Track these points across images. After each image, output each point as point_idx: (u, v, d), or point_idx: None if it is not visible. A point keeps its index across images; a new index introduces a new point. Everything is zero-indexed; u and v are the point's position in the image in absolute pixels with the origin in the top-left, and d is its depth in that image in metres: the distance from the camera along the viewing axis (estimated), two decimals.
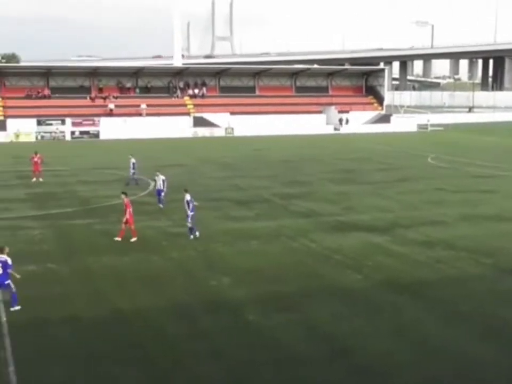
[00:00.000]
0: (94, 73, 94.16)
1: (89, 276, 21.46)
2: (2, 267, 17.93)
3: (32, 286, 20.07)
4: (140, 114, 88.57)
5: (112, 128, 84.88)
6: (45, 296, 19.21)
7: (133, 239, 25.93)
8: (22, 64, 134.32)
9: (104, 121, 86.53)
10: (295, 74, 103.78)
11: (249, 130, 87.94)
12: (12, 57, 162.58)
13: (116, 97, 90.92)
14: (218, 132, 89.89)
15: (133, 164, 41.28)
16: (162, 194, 32.93)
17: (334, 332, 16.62)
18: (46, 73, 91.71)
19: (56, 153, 62.19)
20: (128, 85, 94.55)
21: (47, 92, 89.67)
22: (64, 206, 33.90)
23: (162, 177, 33.21)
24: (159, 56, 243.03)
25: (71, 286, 20.31)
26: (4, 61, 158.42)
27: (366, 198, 36.65)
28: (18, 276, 18.34)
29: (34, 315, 17.62)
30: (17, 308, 17.97)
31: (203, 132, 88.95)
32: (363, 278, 21.26)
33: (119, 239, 25.88)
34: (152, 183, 38.09)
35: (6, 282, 17.91)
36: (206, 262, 23.13)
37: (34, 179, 43.01)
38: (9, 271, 18.04)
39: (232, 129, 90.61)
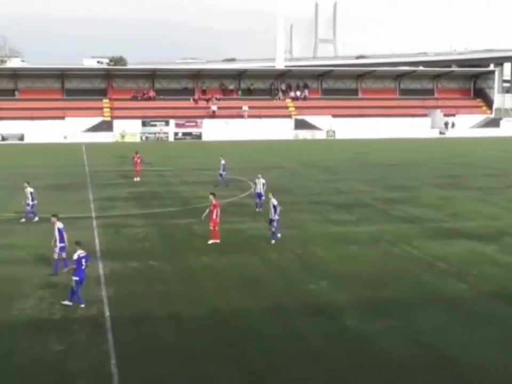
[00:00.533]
0: (198, 75, 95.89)
1: (189, 275, 21.67)
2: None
3: (134, 282, 20.52)
4: (242, 116, 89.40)
5: (214, 130, 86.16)
6: (147, 294, 19.53)
7: (211, 241, 25.84)
8: (128, 66, 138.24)
9: (206, 122, 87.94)
10: (399, 76, 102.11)
11: (351, 133, 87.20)
12: (119, 60, 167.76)
13: (219, 99, 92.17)
14: (320, 135, 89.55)
15: (223, 165, 41.52)
16: (263, 198, 32.59)
17: (436, 341, 16.02)
18: (152, 75, 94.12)
19: (159, 153, 63.65)
20: (231, 87, 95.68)
21: (152, 93, 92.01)
22: (166, 206, 34.52)
23: (262, 180, 33.03)
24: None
25: (173, 285, 20.56)
26: (112, 63, 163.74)
27: (472, 204, 35.43)
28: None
29: (137, 311, 17.94)
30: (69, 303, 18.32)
31: (304, 134, 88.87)
32: (468, 288, 20.46)
33: (217, 241, 25.93)
34: (253, 186, 38.13)
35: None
36: (304, 265, 22.92)
37: (135, 178, 44.12)
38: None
39: (334, 132, 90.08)
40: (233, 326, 17.04)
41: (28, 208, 30.11)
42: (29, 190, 30.08)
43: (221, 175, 41.66)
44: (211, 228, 25.98)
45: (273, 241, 25.83)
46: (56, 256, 21.29)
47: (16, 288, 19.91)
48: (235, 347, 15.70)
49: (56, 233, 21.39)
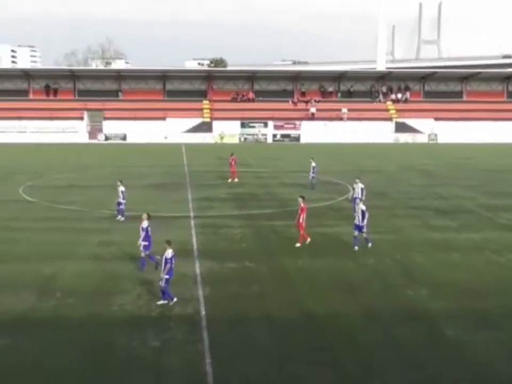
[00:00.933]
0: (297, 77, 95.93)
1: (284, 277, 21.62)
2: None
3: (230, 283, 20.66)
4: (341, 119, 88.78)
5: (312, 132, 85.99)
6: (242, 294, 19.62)
7: (298, 244, 25.62)
8: (228, 68, 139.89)
9: (305, 124, 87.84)
10: (507, 78, 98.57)
11: (454, 137, 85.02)
12: (220, 62, 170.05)
13: (318, 101, 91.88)
14: (421, 138, 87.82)
15: (313, 167, 41.18)
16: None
17: None
18: (251, 77, 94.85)
19: (258, 155, 64.06)
20: (330, 89, 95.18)
21: (251, 95, 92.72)
22: (264, 207, 34.65)
23: (361, 185, 32.40)
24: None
25: (268, 286, 20.57)
26: (212, 65, 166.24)
27: None
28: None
29: (232, 311, 18.05)
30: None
31: (405, 137, 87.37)
32: None
33: (307, 241, 25.76)
34: (351, 190, 37.69)
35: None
36: (402, 271, 22.44)
37: (230, 180, 44.52)
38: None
39: (436, 135, 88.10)
40: (328, 330, 16.88)
41: (121, 206, 30.73)
42: (121, 188, 30.69)
43: (312, 177, 41.41)
44: (298, 230, 25.84)
45: (370, 244, 25.39)
46: (142, 254, 21.73)
47: (116, 284, 20.45)
48: (329, 351, 15.54)
49: (141, 231, 21.79)
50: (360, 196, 31.34)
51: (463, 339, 16.28)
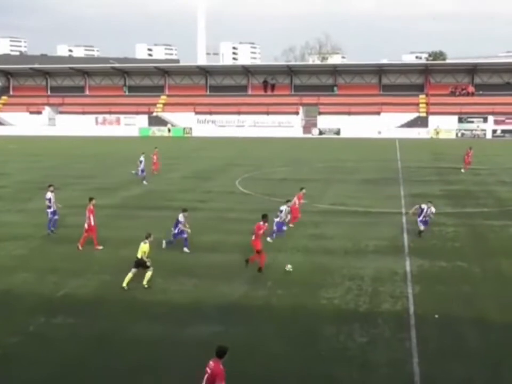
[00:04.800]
0: None
1: (499, 279, 20.58)
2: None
3: (441, 282, 20.07)
4: None
5: None
6: (453, 294, 18.97)
7: None
8: (447, 61, 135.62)
9: None
10: None
11: None
12: (439, 55, 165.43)
13: None
14: None
15: None
16: None
17: None
18: (472, 70, 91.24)
19: (476, 151, 61.49)
20: None
21: (471, 89, 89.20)
22: (480, 205, 33.24)
23: None
24: None
25: (480, 287, 19.71)
26: (430, 58, 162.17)
27: None
28: (188, 230, 23.15)
29: (441, 311, 17.52)
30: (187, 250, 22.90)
31: None
32: None
33: None
34: None
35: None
36: None
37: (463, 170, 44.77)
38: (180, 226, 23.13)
39: None
40: None
41: None
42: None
43: None
44: None
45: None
46: None
47: (326, 277, 20.67)
48: None
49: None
50: None
51: None
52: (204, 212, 31.35)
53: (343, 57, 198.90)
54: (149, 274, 19.32)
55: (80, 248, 23.82)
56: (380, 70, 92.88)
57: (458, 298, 18.55)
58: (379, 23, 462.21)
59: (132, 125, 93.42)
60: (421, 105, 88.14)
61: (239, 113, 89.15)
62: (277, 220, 25.62)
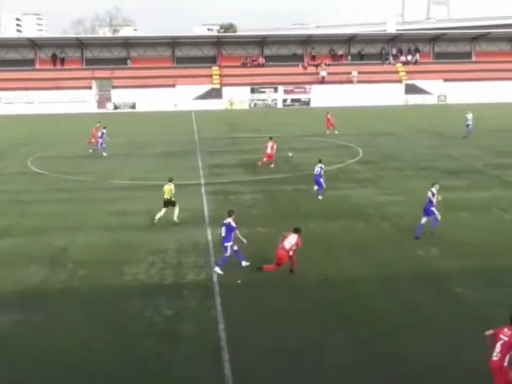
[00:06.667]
0: (307, 41, 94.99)
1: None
2: (226, 230, 18.59)
3: (243, 248, 20.57)
4: (351, 82, 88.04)
5: (323, 96, 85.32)
6: (255, 259, 19.40)
7: None
8: (238, 33, 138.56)
9: (315, 88, 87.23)
10: None
11: (464, 98, 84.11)
12: (229, 27, 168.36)
13: (328, 65, 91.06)
14: (430, 100, 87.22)
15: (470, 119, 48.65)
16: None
17: None
18: (261, 42, 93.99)
19: (268, 120, 63.77)
20: (340, 52, 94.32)
21: (261, 60, 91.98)
22: (275, 172, 34.49)
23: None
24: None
25: None
26: (222, 30, 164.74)
27: None
28: (244, 241, 19.09)
29: (245, 277, 18.01)
30: (246, 263, 18.84)
31: (414, 99, 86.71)
32: None
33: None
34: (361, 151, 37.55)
35: (226, 244, 18.54)
36: (413, 231, 22.21)
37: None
38: (234, 233, 18.74)
39: (445, 96, 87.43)
40: (341, 293, 16.88)
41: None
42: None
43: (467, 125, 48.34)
44: None
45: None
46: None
47: (129, 253, 20.45)
48: (343, 314, 15.55)
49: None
50: None
51: (473, 297, 16.48)
52: None
53: (135, 30, 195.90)
54: (177, 210, 23.60)
55: None
56: (172, 42, 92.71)
57: (261, 263, 19.02)
58: None
59: None
60: (214, 76, 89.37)
61: (26, 89, 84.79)
62: None
